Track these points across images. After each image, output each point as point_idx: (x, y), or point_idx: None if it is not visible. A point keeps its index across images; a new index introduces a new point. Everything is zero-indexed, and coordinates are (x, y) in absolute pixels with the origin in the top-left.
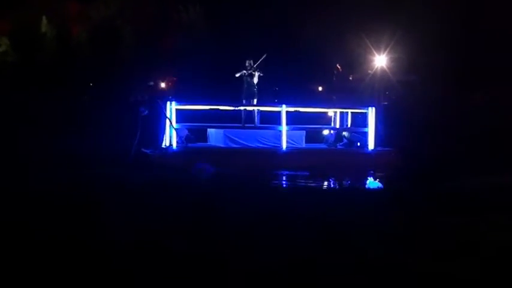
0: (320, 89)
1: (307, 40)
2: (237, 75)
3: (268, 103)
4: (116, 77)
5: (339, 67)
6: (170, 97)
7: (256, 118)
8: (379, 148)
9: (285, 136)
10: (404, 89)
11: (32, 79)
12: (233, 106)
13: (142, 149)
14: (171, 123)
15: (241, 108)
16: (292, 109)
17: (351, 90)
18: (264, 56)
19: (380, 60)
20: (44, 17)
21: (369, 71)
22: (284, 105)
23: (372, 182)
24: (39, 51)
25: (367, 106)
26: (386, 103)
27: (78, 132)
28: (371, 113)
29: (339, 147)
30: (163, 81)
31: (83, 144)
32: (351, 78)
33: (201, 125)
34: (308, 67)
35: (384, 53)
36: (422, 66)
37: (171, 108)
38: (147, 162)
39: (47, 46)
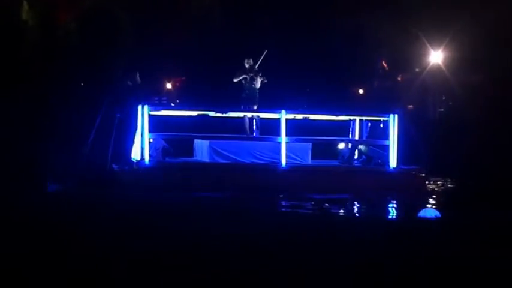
0: (361, 92)
1: (343, 33)
2: (236, 79)
3: (266, 109)
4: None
5: (384, 64)
6: (176, 100)
7: (254, 127)
8: (403, 166)
9: (284, 149)
10: (466, 93)
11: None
12: (221, 112)
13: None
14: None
15: (231, 114)
16: (299, 116)
17: (398, 93)
18: (265, 52)
19: (436, 57)
20: (24, 2)
21: (422, 70)
22: (283, 111)
23: (427, 211)
24: (18, 42)
25: (388, 113)
26: (441, 110)
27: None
28: (393, 121)
29: (355, 164)
30: (168, 81)
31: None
32: (399, 78)
33: (179, 135)
34: (345, 66)
35: (441, 48)
36: (491, 65)
37: (143, 113)
38: (112, 179)
39: (28, 37)
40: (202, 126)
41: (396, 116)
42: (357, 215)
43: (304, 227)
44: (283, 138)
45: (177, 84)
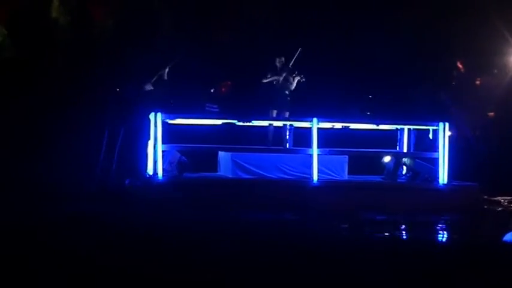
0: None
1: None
2: (266, 80)
3: (299, 117)
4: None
5: (460, 66)
6: (215, 107)
7: (288, 137)
8: (454, 182)
9: (316, 162)
10: None
11: (39, 82)
12: (243, 120)
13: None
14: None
15: (255, 123)
16: (338, 125)
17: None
18: (299, 50)
19: None
20: None
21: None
22: (315, 119)
23: None
24: (49, 43)
25: (436, 121)
26: None
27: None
28: (442, 130)
29: (400, 180)
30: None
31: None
32: (477, 82)
33: (195, 146)
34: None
35: None
36: None
37: (156, 122)
38: (125, 196)
39: (59, 36)
40: (228, 136)
41: (446, 124)
42: (423, 240)
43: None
44: (315, 150)
45: (224, 89)
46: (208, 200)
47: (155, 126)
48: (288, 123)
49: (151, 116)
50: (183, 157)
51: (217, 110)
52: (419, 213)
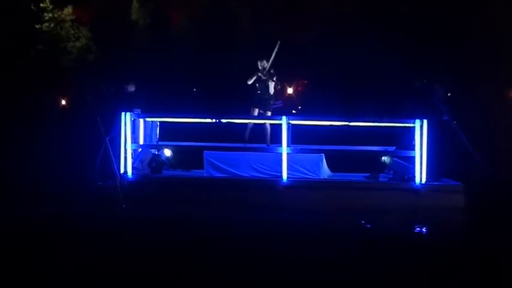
0: None
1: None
2: (250, 81)
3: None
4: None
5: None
6: (279, 102)
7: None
8: (433, 182)
9: (285, 161)
10: None
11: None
12: (215, 118)
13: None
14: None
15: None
16: (340, 123)
17: None
18: (277, 45)
19: None
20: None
21: None
22: (284, 117)
23: None
24: (129, 45)
25: (413, 118)
26: None
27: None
28: (418, 128)
29: (381, 179)
30: (290, 85)
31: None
32: None
33: (169, 144)
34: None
35: None
36: None
37: (125, 121)
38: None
39: (139, 38)
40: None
41: (425, 121)
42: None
43: None
44: (285, 149)
45: (299, 88)
46: (174, 198)
47: (124, 125)
48: (267, 122)
49: (122, 115)
50: (162, 156)
51: (281, 105)
52: (389, 214)
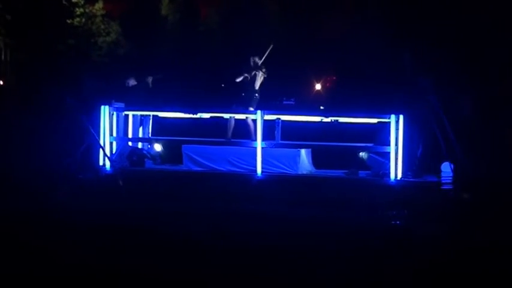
0: None
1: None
2: (239, 79)
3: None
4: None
5: None
6: (289, 99)
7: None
8: (410, 178)
9: (260, 156)
10: None
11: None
12: (191, 112)
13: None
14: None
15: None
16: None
17: None
18: (270, 47)
19: None
20: None
21: None
22: (259, 111)
23: None
24: (159, 40)
25: (388, 113)
26: None
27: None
28: (393, 123)
29: (361, 175)
30: (318, 81)
31: None
32: None
33: (147, 138)
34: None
35: None
36: None
37: (104, 115)
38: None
39: (169, 33)
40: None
41: (401, 116)
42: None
43: None
44: (259, 143)
45: (328, 84)
46: (149, 191)
47: (103, 118)
48: (250, 116)
49: (102, 108)
50: (143, 150)
51: (293, 103)
52: (359, 209)
